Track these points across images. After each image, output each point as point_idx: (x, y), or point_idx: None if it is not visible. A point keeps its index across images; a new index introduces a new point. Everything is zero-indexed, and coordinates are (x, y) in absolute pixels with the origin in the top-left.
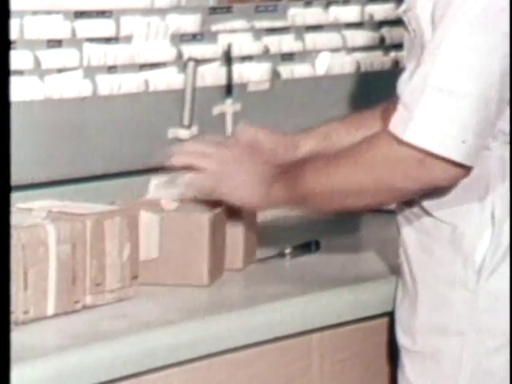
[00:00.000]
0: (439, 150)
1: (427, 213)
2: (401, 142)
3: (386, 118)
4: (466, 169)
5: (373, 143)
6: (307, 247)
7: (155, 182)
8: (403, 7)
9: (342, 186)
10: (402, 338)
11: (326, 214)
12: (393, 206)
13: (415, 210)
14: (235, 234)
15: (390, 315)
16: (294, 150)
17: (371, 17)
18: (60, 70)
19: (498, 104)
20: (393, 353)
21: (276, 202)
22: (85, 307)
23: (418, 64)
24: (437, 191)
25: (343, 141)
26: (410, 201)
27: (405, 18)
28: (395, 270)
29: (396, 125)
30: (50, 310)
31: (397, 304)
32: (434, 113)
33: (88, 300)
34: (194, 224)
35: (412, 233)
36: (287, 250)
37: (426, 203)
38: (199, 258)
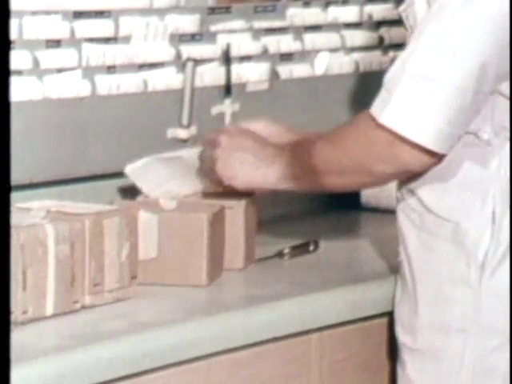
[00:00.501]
0: (410, 135)
1: (429, 210)
2: (378, 125)
3: None
4: (436, 156)
5: (353, 124)
6: (306, 247)
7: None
8: (403, 6)
9: (324, 166)
10: (402, 336)
11: (313, 194)
12: (392, 205)
13: (416, 207)
14: (235, 233)
15: (390, 315)
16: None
17: (370, 17)
18: (59, 70)
19: (474, 95)
20: (392, 353)
21: (272, 182)
22: (84, 307)
23: None
24: (414, 177)
25: None
26: (410, 197)
27: (403, 15)
28: (394, 270)
29: (375, 106)
30: (49, 310)
31: (396, 302)
32: (410, 97)
33: (87, 300)
34: (193, 224)
35: (412, 230)
36: (286, 250)
37: (428, 200)
38: (198, 257)
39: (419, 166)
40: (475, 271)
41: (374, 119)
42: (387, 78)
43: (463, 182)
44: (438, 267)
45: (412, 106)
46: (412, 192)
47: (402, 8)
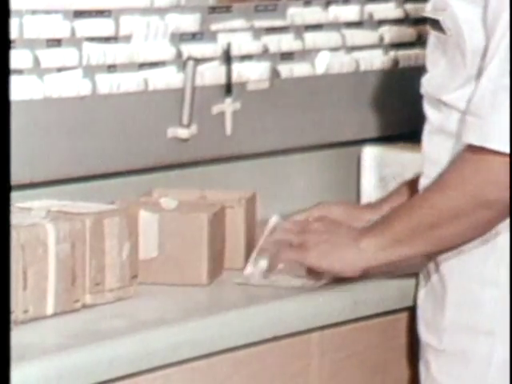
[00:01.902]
0: None
1: None
2: (483, 151)
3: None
4: None
5: (455, 165)
6: None
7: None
8: (430, 7)
9: (434, 216)
10: (426, 336)
11: (424, 260)
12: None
13: None
14: (236, 233)
15: (391, 314)
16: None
17: (371, 16)
18: (59, 70)
19: None
20: (392, 351)
21: (369, 257)
22: (84, 307)
23: (454, 63)
24: None
25: None
26: None
27: (439, 18)
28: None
29: (471, 136)
30: (50, 310)
31: (419, 301)
32: (510, 112)
33: (87, 299)
34: (193, 223)
35: None
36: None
37: None
38: (198, 257)
39: None
40: (504, 272)
41: (475, 149)
42: (475, 104)
43: None
44: (466, 268)
45: None
46: None
47: (429, 9)
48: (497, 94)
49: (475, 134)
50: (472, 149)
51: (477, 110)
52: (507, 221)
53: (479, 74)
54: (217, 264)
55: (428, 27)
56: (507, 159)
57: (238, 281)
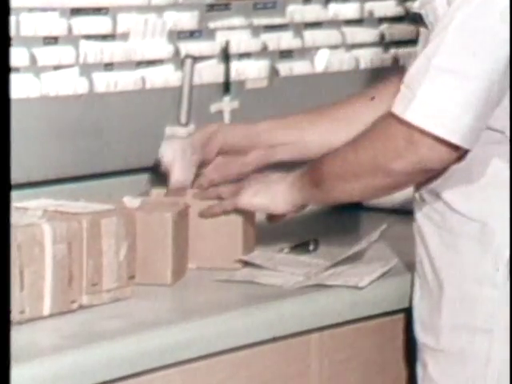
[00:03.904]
0: (433, 129)
1: (453, 210)
2: (401, 122)
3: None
4: (459, 151)
5: (374, 124)
6: (306, 246)
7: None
8: (418, 2)
9: (342, 168)
10: (423, 337)
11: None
12: (393, 205)
13: (438, 207)
14: (233, 233)
15: (390, 315)
16: (255, 137)
17: (371, 13)
18: (56, 68)
19: (499, 88)
20: (393, 352)
21: (295, 194)
22: (81, 307)
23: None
24: (433, 177)
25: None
26: (431, 198)
27: (422, 12)
28: (395, 270)
29: (397, 104)
30: (46, 310)
31: (415, 301)
32: (436, 92)
33: (84, 300)
34: (157, 223)
35: (434, 230)
36: (286, 250)
37: (452, 200)
38: (162, 256)
39: (438, 163)
40: (502, 271)
41: (395, 117)
42: (409, 76)
43: (490, 180)
44: (462, 267)
45: (439, 100)
46: (434, 192)
47: (417, 5)
48: (427, 72)
49: (399, 104)
50: (391, 115)
51: (408, 81)
52: (503, 219)
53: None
54: (181, 263)
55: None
56: (409, 133)
57: (219, 278)
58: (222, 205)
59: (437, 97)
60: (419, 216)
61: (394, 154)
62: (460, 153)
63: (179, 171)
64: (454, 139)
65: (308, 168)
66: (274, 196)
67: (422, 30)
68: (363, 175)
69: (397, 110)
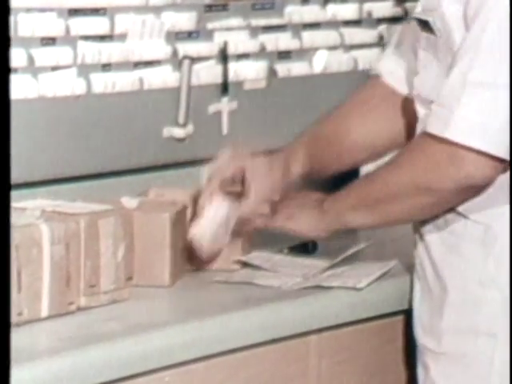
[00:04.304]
0: (478, 145)
1: (456, 213)
2: (441, 141)
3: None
4: (503, 164)
5: (411, 147)
6: (304, 248)
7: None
8: (419, 8)
9: (382, 191)
10: (424, 339)
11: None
12: None
13: None
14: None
15: (389, 317)
16: (287, 170)
17: (369, 14)
18: (54, 68)
19: None
20: (391, 354)
21: (330, 220)
22: (79, 309)
23: (445, 64)
24: (476, 193)
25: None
26: None
27: (429, 19)
28: (394, 271)
29: (433, 125)
30: (44, 312)
31: (415, 305)
32: (476, 107)
33: (82, 302)
34: (155, 223)
35: (436, 233)
36: (284, 251)
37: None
38: (160, 257)
39: (484, 179)
40: (505, 273)
41: (433, 137)
42: (443, 95)
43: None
44: (465, 269)
45: (480, 115)
46: None
47: (419, 11)
48: (464, 89)
49: (436, 123)
50: (429, 135)
51: (444, 100)
52: (506, 221)
53: (452, 64)
54: (178, 264)
55: (419, 28)
56: (452, 151)
57: (217, 279)
58: (253, 223)
59: (477, 112)
60: None
61: (437, 173)
62: (504, 165)
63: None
64: (500, 153)
65: (344, 193)
66: (306, 222)
67: (425, 35)
68: (404, 196)
69: (434, 129)
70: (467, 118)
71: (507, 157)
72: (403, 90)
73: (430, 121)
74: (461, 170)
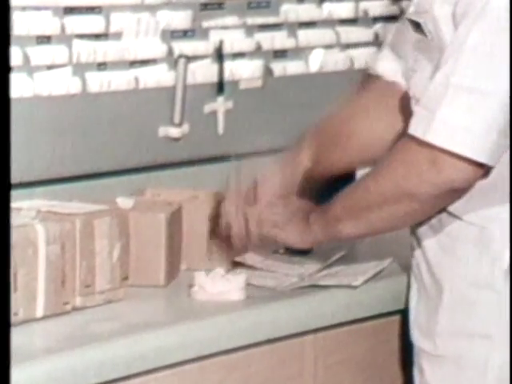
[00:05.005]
0: (459, 149)
1: (451, 214)
2: (421, 144)
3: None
4: (485, 169)
5: (393, 151)
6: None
7: None
8: (412, 9)
9: (365, 199)
10: (419, 341)
11: (358, 241)
12: None
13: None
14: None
15: (384, 317)
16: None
17: (365, 13)
18: (49, 67)
19: None
20: (388, 355)
21: (316, 232)
22: (74, 309)
23: (437, 66)
24: (458, 197)
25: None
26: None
27: (420, 21)
28: (390, 271)
29: (415, 127)
30: (40, 312)
31: (411, 306)
32: (457, 111)
33: (78, 302)
34: (151, 223)
35: (431, 234)
36: (281, 251)
37: (452, 205)
38: (155, 257)
39: (464, 183)
40: (500, 275)
41: (414, 140)
42: (427, 97)
43: (488, 184)
44: (460, 271)
45: (462, 119)
46: None
47: (412, 12)
48: (447, 92)
49: (418, 126)
50: (411, 137)
51: (426, 102)
52: (502, 223)
53: (437, 66)
54: (174, 264)
55: (411, 30)
56: (432, 155)
57: None
58: (242, 240)
59: (459, 116)
60: None
61: (418, 178)
62: (485, 170)
63: None
64: (481, 158)
65: (329, 204)
66: (293, 233)
67: (417, 36)
68: (387, 204)
69: (416, 132)
70: (448, 121)
71: (488, 161)
72: (405, 88)
73: (412, 123)
74: (441, 173)
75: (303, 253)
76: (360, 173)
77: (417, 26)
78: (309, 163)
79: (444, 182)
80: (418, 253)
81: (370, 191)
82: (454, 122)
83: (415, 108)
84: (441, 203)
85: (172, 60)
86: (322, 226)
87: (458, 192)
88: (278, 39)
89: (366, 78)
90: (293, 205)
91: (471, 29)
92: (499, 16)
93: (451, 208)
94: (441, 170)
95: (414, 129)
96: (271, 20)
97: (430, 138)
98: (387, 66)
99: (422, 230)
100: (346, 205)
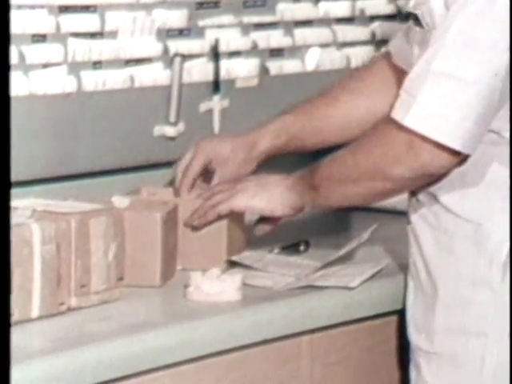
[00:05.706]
0: (437, 136)
1: (448, 210)
2: (401, 127)
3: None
4: (460, 156)
5: (374, 129)
6: (296, 247)
7: None
8: (412, 2)
9: (342, 173)
10: (416, 339)
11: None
12: (384, 205)
13: (433, 207)
14: (220, 234)
15: (382, 317)
16: (252, 149)
17: (362, 11)
18: (44, 66)
19: (500, 94)
20: (385, 355)
21: (295, 197)
22: (70, 309)
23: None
24: (433, 181)
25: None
26: (426, 198)
27: (418, 13)
28: (387, 272)
29: (397, 110)
30: (35, 313)
31: (408, 304)
32: (436, 97)
33: (73, 302)
34: (146, 223)
35: (428, 231)
36: (276, 251)
37: (447, 201)
38: (151, 257)
39: (439, 168)
40: (497, 273)
41: (394, 122)
42: (408, 81)
43: (485, 181)
44: (457, 268)
45: (439, 106)
46: (429, 193)
47: (411, 4)
48: (427, 77)
49: (399, 109)
50: (391, 120)
51: (408, 86)
52: (498, 220)
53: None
54: (170, 265)
55: (411, 23)
56: (410, 139)
57: None
58: (215, 211)
59: (437, 102)
60: (413, 217)
61: (394, 159)
62: (461, 158)
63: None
64: (455, 145)
65: (307, 171)
66: (271, 199)
67: (418, 29)
68: (362, 180)
69: (396, 115)
70: (427, 107)
71: (463, 149)
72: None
73: (394, 106)
74: (417, 158)
75: (299, 252)
76: None
77: (416, 18)
78: (268, 142)
79: (420, 166)
80: (415, 250)
81: (348, 166)
82: (432, 107)
83: (400, 92)
84: (414, 185)
85: (168, 59)
86: (299, 192)
87: (432, 177)
88: (274, 38)
89: (377, 57)
90: (262, 177)
91: (455, 17)
92: (483, 5)
93: (448, 204)
94: (417, 154)
95: (395, 112)
96: (267, 18)
97: (408, 123)
98: (398, 46)
99: (420, 228)
100: (323, 175)
